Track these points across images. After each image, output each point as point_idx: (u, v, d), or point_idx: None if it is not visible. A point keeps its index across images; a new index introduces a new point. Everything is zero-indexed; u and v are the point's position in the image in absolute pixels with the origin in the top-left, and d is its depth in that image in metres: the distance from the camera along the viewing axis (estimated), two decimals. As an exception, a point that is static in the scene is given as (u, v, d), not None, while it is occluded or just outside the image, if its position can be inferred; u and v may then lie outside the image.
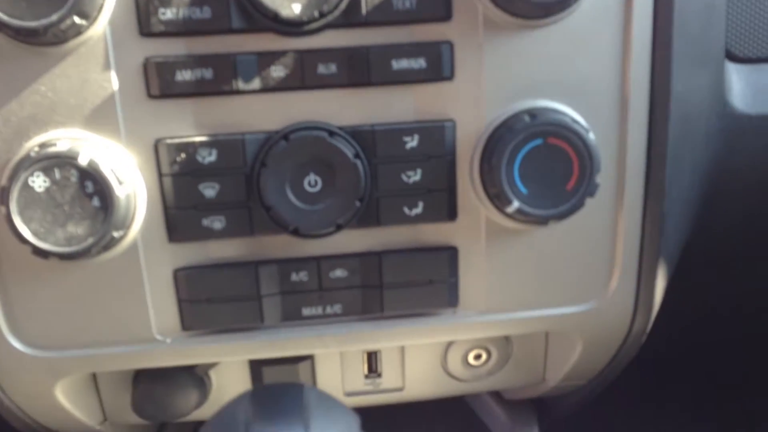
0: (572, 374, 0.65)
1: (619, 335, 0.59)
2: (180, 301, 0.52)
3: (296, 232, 0.50)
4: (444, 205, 0.52)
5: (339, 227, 0.50)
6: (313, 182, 0.49)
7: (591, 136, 0.49)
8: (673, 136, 0.53)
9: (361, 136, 0.49)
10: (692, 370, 1.04)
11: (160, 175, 0.48)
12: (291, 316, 0.54)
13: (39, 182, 0.45)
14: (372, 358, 0.65)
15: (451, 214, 0.52)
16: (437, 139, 0.50)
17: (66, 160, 0.45)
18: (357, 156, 0.49)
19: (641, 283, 0.56)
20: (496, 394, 0.84)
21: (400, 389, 0.66)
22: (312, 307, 0.54)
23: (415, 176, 0.51)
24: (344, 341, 0.55)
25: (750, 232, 0.64)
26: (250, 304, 0.52)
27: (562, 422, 0.82)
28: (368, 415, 0.83)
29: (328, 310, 0.54)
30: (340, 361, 0.64)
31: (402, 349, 0.64)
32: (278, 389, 0.39)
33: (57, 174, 0.45)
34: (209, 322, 0.53)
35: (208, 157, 0.49)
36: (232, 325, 0.53)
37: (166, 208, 0.49)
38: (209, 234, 0.50)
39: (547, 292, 0.55)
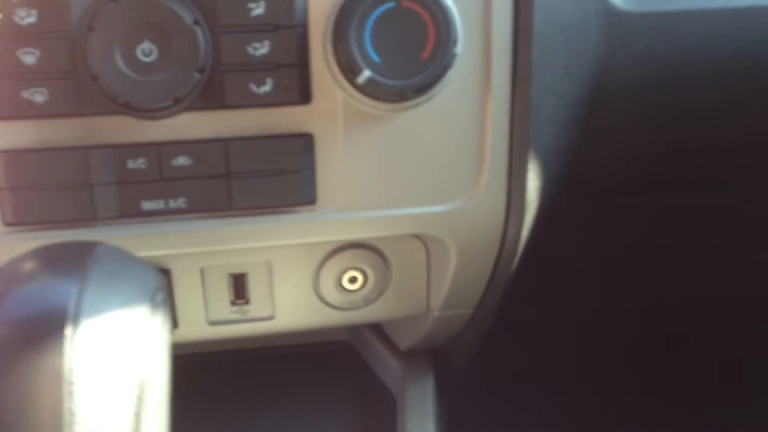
0: (454, 296, 0.61)
1: (494, 241, 0.56)
2: (0, 190, 0.47)
3: (128, 106, 0.45)
4: (295, 83, 0.48)
5: (177, 101, 0.46)
6: (147, 51, 0.45)
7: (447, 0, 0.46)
8: (541, 21, 0.51)
9: (202, 0, 0.45)
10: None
11: None
12: (129, 211, 0.49)
13: None
14: (239, 283, 0.60)
15: (305, 95, 0.48)
16: (286, 6, 0.46)
17: None
18: (196, 22, 0.45)
19: (512, 180, 0.53)
20: (392, 347, 0.79)
21: (271, 317, 0.61)
22: (153, 200, 0.49)
23: (262, 48, 0.47)
24: (190, 240, 0.51)
25: (638, 136, 0.62)
26: (80, 194, 0.47)
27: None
28: (256, 374, 0.78)
29: (172, 204, 0.49)
30: (201, 285, 0.59)
31: (270, 272, 0.59)
32: (67, 245, 0.35)
33: None
34: (35, 215, 0.47)
35: (28, 18, 0.44)
36: (61, 218, 0.48)
37: None
38: (30, 109, 0.45)
39: (411, 189, 0.52)
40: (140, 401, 0.33)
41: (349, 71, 0.46)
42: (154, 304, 0.35)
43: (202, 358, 0.79)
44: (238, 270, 0.59)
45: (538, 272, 0.81)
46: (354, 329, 0.83)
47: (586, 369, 1.01)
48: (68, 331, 0.29)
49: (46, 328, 0.30)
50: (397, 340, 0.77)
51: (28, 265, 0.32)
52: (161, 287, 0.37)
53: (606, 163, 0.63)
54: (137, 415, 0.33)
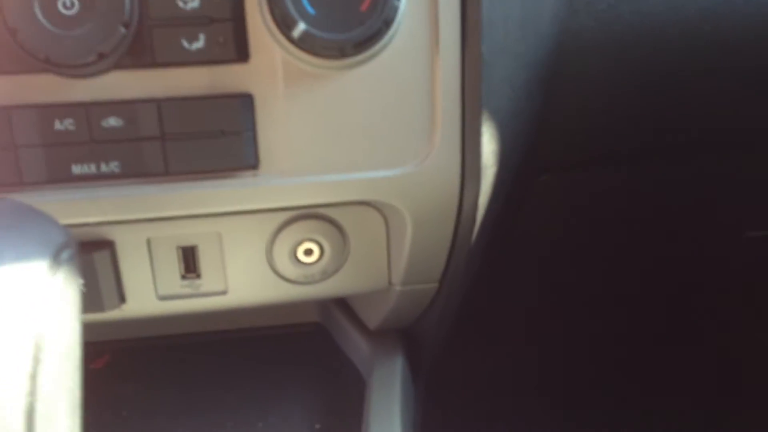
0: (415, 269, 0.59)
1: (450, 208, 0.53)
2: None
3: (48, 62, 0.43)
4: (230, 39, 0.45)
5: (102, 57, 0.43)
6: (68, 3, 0.43)
7: None
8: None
9: (127, -50, 0.43)
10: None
11: None
12: (58, 175, 0.46)
13: None
14: (189, 256, 0.58)
15: (241, 51, 0.46)
16: None
17: None
18: None
19: (466, 143, 0.50)
20: (361, 327, 0.77)
21: (224, 292, 0.59)
22: (83, 164, 0.46)
23: (192, 2, 0.44)
24: (125, 207, 0.48)
25: (603, 100, 0.59)
26: (4, 157, 0.45)
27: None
28: (224, 356, 0.76)
29: (104, 168, 0.47)
30: (149, 258, 0.56)
31: (221, 244, 0.57)
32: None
33: None
34: (-43, 180, 0.45)
35: None
36: (-15, 183, 0.46)
37: None
38: None
39: (359, 152, 0.49)
40: (37, 361, 0.31)
41: (284, 25, 0.44)
42: (57, 262, 0.33)
43: (173, 340, 0.78)
44: (187, 242, 0.57)
45: (513, 248, 0.78)
46: (325, 310, 0.81)
47: (566, 350, 0.99)
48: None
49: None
50: (366, 319, 0.75)
51: None
52: (68, 245, 0.34)
53: (573, 129, 0.60)
54: (33, 377, 0.30)
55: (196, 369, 0.75)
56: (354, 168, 0.50)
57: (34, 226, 0.33)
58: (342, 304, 0.78)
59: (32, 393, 0.29)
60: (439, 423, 0.81)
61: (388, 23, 0.44)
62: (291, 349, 0.79)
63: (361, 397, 0.71)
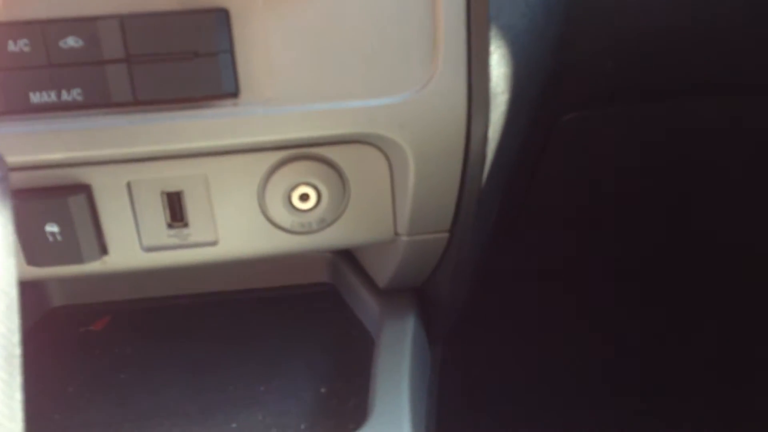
0: (421, 215, 0.53)
1: (457, 142, 0.47)
2: None
3: (-6, -30, 0.38)
4: (201, -56, 0.40)
5: None
6: None
7: None
8: None
9: None
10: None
11: None
12: (15, 105, 0.42)
13: None
14: (174, 203, 0.53)
15: None
16: None
17: None
18: None
19: (473, 65, 0.44)
20: (372, 286, 0.72)
21: (214, 243, 0.54)
22: (42, 91, 0.42)
23: None
24: (90, 141, 0.43)
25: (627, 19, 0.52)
26: None
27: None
28: (233, 316, 0.72)
29: (65, 96, 0.42)
30: (130, 205, 0.52)
31: (208, 189, 0.52)
32: None
33: None
34: None
35: None
36: (-66, 114, 0.41)
37: None
38: None
39: (351, 78, 0.44)
40: None
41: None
42: None
43: (177, 302, 0.74)
44: (171, 188, 0.52)
45: (536, 198, 0.72)
46: (335, 270, 0.76)
47: (585, 308, 0.93)
48: None
49: None
50: (375, 277, 0.70)
51: None
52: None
53: (596, 57, 0.54)
54: None
55: (200, 331, 0.71)
56: (347, 96, 0.44)
57: None
58: (352, 262, 0.74)
59: None
60: (457, 392, 0.76)
61: None
62: (299, 310, 0.75)
63: (369, 359, 0.67)
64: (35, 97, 0.42)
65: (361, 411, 0.60)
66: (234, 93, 0.43)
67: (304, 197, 0.53)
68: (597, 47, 0.53)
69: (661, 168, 0.70)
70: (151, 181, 0.51)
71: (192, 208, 0.53)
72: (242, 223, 0.54)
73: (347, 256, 0.74)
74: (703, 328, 0.99)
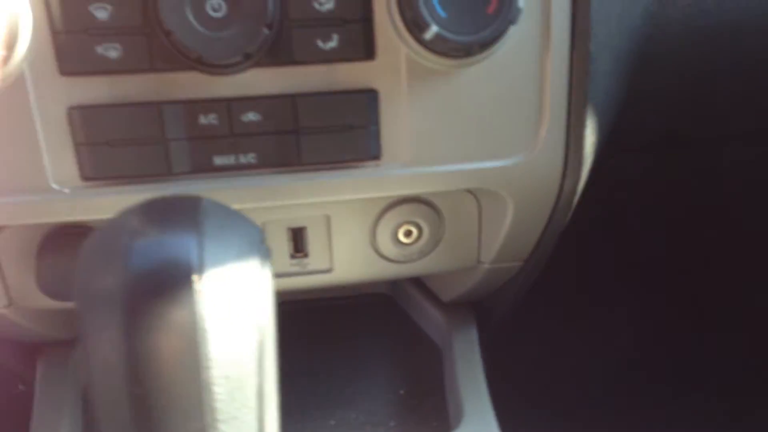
0: (507, 249, 0.62)
1: (550, 195, 0.57)
2: (76, 145, 0.48)
3: (200, 61, 0.46)
4: (360, 39, 0.49)
5: (248, 57, 0.47)
6: (216, 6, 0.46)
7: None
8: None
9: (269, -43, 0.46)
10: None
11: None
12: (202, 166, 0.50)
13: None
14: (298, 237, 0.62)
15: (369, 50, 0.49)
16: None
17: None
18: None
19: (570, 134, 0.54)
20: (433, 299, 0.81)
21: (329, 270, 0.63)
22: (224, 155, 0.50)
23: (327, 4, 0.47)
24: (261, 195, 0.52)
25: (685, 89, 0.62)
26: (156, 149, 0.49)
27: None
28: (300, 324, 0.80)
29: (242, 159, 0.50)
30: None
31: (329, 226, 0.61)
32: (172, 199, 0.36)
33: None
34: (110, 170, 0.49)
35: None
36: (136, 173, 0.49)
37: (53, 33, 0.45)
38: (104, 64, 0.46)
39: (473, 144, 0.53)
40: (261, 347, 0.34)
41: (416, 27, 0.47)
42: (262, 255, 0.36)
43: None
44: (297, 224, 0.61)
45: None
46: (394, 282, 0.84)
47: (629, 319, 1.03)
48: (196, 281, 0.31)
49: (173, 280, 0.31)
50: (440, 293, 0.78)
51: (143, 219, 0.34)
52: (264, 239, 0.38)
53: (651, 115, 0.64)
54: (260, 361, 0.34)
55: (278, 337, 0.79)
56: (467, 159, 0.53)
57: (238, 223, 0.36)
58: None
59: (260, 374, 0.33)
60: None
61: (511, 24, 0.47)
62: (361, 319, 0.82)
63: (439, 365, 0.76)
64: (218, 160, 0.50)
65: (439, 411, 0.69)
66: (377, 156, 0.52)
67: (408, 233, 0.62)
68: (645, 104, 0.63)
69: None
70: (281, 220, 0.60)
71: (313, 241, 0.62)
72: (354, 254, 0.62)
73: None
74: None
